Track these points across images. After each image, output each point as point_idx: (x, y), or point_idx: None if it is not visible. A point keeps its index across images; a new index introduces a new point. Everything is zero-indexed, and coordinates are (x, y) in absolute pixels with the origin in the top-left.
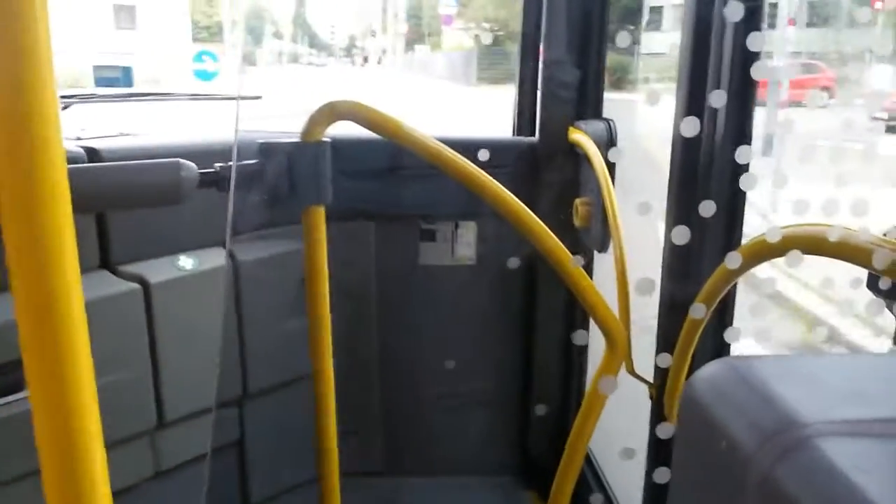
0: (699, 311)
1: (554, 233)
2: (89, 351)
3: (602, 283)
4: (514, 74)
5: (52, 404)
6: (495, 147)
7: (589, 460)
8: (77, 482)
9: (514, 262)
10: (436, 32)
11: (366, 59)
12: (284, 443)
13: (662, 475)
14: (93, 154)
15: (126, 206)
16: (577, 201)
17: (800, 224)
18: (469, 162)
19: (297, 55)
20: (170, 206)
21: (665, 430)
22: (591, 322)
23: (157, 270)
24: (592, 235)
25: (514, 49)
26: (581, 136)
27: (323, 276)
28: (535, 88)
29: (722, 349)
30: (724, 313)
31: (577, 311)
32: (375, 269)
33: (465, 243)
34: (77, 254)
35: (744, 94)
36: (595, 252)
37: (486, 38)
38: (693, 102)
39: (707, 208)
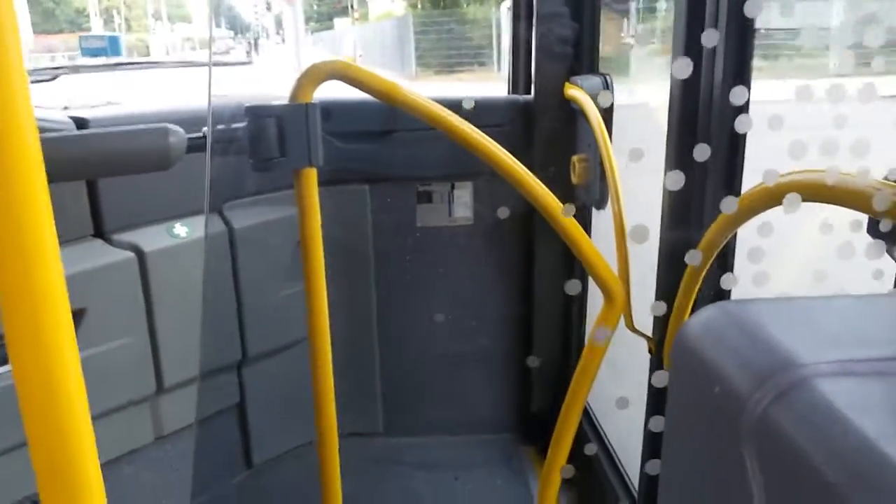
0: (696, 258)
1: (552, 191)
2: (70, 320)
3: (604, 240)
4: (476, 36)
5: (35, 377)
6: (490, 106)
7: (588, 415)
8: (65, 453)
9: (503, 213)
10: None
11: (253, 44)
12: (283, 405)
13: (658, 423)
14: (81, 123)
15: (115, 172)
16: (575, 158)
17: (798, 170)
18: (463, 121)
19: None
20: (161, 173)
21: (660, 379)
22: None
23: (151, 238)
24: (590, 192)
25: (472, 14)
26: (577, 92)
27: (317, 239)
28: (529, 45)
29: (722, 299)
30: (724, 262)
31: (575, 268)
32: (372, 231)
33: (462, 204)
34: (53, 222)
35: (740, 33)
36: (594, 209)
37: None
38: (689, 43)
39: (701, 152)
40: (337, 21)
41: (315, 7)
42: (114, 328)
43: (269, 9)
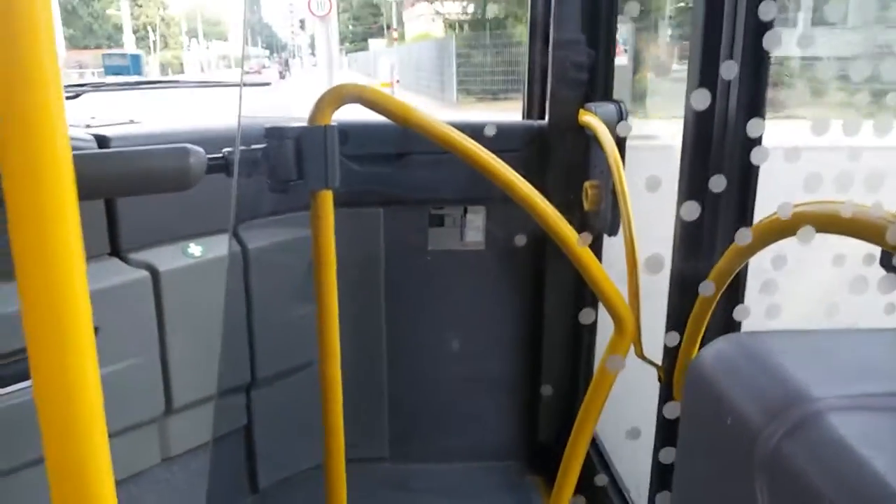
0: (708, 289)
1: (564, 216)
2: (93, 340)
3: (615, 266)
4: (524, 60)
5: (56, 394)
6: (506, 131)
7: (595, 446)
8: (81, 470)
9: (520, 240)
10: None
11: (285, 64)
12: (292, 428)
13: (669, 455)
14: (102, 141)
15: (135, 192)
16: (587, 184)
17: (812, 201)
18: (478, 145)
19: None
20: (179, 193)
21: (672, 410)
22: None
23: (166, 258)
24: (602, 218)
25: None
26: (591, 118)
27: (331, 260)
28: (545, 71)
29: (733, 329)
30: (736, 292)
31: (586, 294)
32: (385, 254)
33: (474, 228)
34: (82, 243)
35: (756, 65)
36: (605, 235)
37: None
38: (705, 74)
39: (717, 183)
40: (372, 42)
41: (350, 27)
42: (125, 347)
43: (302, 27)
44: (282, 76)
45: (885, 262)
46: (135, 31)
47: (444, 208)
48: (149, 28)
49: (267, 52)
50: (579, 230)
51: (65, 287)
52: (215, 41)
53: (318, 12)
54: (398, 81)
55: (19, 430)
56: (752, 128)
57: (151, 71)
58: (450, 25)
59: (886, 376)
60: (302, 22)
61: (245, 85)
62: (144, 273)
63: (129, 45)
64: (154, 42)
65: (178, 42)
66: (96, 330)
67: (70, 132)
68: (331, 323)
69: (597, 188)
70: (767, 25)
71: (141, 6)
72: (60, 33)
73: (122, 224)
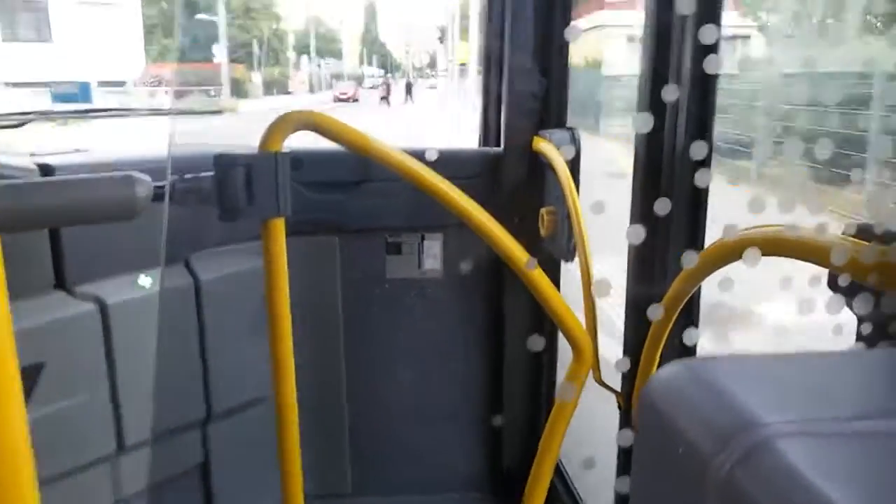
0: (657, 313)
1: (521, 243)
2: (18, 379)
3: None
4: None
5: None
6: (461, 158)
7: (560, 473)
8: None
9: (472, 270)
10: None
11: (388, 88)
12: (250, 465)
13: (625, 484)
14: (47, 170)
15: (79, 221)
16: (543, 210)
17: (758, 225)
18: (433, 172)
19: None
20: (125, 222)
21: (626, 438)
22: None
23: (114, 290)
24: (558, 245)
25: None
26: (546, 145)
27: (284, 290)
28: (499, 98)
29: (689, 354)
30: (689, 316)
31: (545, 321)
32: (341, 283)
33: (431, 255)
34: (3, 275)
35: (702, 89)
36: (562, 261)
37: None
38: (653, 97)
39: (662, 206)
40: None
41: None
42: (73, 383)
43: (441, 40)
44: (384, 99)
45: (832, 284)
46: (244, 45)
47: (402, 235)
48: (253, 43)
49: (381, 72)
50: (536, 257)
51: None
52: (329, 59)
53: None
54: None
55: None
56: (696, 150)
57: (253, 89)
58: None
59: (835, 400)
60: (442, 33)
61: (182, 113)
62: (92, 306)
63: (222, 59)
64: (259, 58)
65: (289, 58)
66: (42, 366)
67: (12, 161)
68: (285, 354)
69: (553, 214)
70: (710, 49)
71: (254, 19)
72: (141, 47)
73: (67, 255)
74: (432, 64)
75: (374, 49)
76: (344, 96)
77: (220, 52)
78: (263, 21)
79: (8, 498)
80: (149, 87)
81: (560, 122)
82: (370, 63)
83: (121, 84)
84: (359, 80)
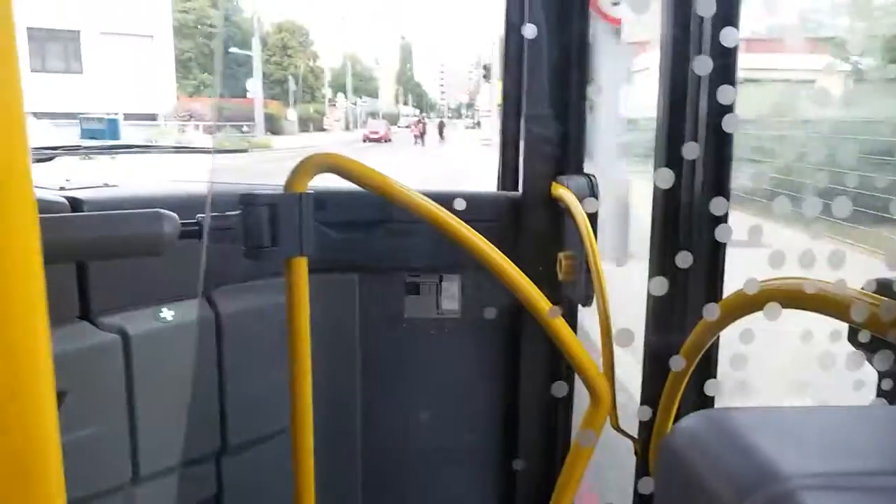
0: (679, 364)
1: (539, 287)
2: (55, 407)
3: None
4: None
5: (15, 463)
6: (479, 201)
7: None
8: None
9: (490, 313)
10: None
11: (421, 127)
12: (264, 499)
13: None
14: (76, 204)
15: (107, 256)
16: (561, 255)
17: (777, 277)
18: (452, 215)
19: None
20: (151, 258)
21: (646, 486)
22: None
23: (137, 322)
24: (576, 289)
25: None
26: (563, 191)
27: (305, 328)
28: (517, 143)
29: (707, 404)
30: (708, 367)
31: (562, 365)
32: (360, 321)
33: (450, 296)
34: (46, 311)
35: (718, 146)
36: (580, 306)
37: None
38: (670, 154)
39: (684, 259)
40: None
41: None
42: (92, 412)
43: (486, 77)
44: (417, 140)
45: (852, 339)
46: (281, 82)
47: (420, 276)
48: (290, 78)
49: (417, 111)
50: (554, 300)
51: (28, 353)
52: (366, 97)
53: None
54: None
55: None
56: (716, 206)
57: (288, 125)
58: None
59: (857, 454)
60: (487, 70)
61: (218, 152)
62: (115, 336)
63: (256, 95)
64: (294, 93)
65: (324, 95)
66: (64, 394)
67: (43, 195)
68: (304, 390)
69: (571, 259)
70: (727, 109)
71: (290, 56)
72: (173, 79)
73: (93, 287)
74: (470, 104)
75: (409, 88)
76: (375, 136)
77: (254, 88)
78: (300, 58)
79: None
80: (180, 121)
81: (578, 168)
82: (405, 102)
83: (152, 117)
84: (394, 119)
